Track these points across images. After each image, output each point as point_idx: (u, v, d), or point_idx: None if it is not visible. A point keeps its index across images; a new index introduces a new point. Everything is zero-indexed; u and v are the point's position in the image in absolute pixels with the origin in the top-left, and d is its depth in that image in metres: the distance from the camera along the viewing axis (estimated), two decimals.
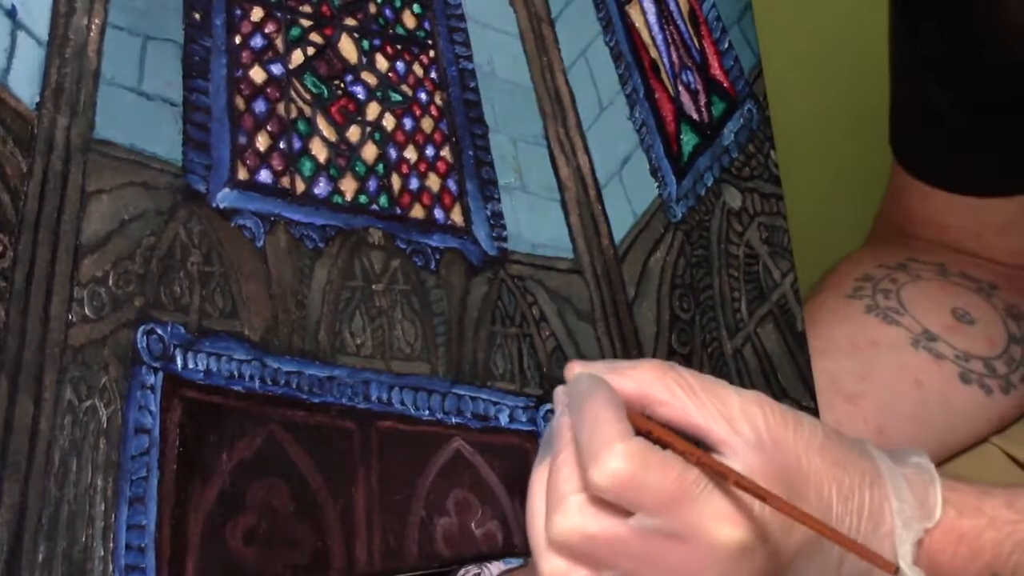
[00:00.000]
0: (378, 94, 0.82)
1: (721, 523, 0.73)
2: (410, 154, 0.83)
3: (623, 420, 0.74)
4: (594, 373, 0.77)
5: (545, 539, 0.74)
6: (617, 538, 0.73)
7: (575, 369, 0.78)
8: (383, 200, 0.82)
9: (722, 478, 0.73)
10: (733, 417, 0.76)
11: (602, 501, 0.73)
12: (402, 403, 0.80)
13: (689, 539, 0.73)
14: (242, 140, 0.78)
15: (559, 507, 0.73)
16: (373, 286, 0.81)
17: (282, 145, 0.79)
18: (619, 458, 0.72)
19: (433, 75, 0.84)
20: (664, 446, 0.74)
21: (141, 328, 0.75)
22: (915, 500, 0.79)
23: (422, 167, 0.83)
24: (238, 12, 0.79)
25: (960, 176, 1.07)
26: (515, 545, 0.81)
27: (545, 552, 0.74)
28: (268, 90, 0.79)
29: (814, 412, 0.95)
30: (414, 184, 0.83)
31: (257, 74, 0.79)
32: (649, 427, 0.75)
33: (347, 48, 0.82)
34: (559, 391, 0.78)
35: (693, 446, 0.74)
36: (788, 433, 0.77)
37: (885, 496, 0.78)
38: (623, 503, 0.73)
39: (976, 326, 1.04)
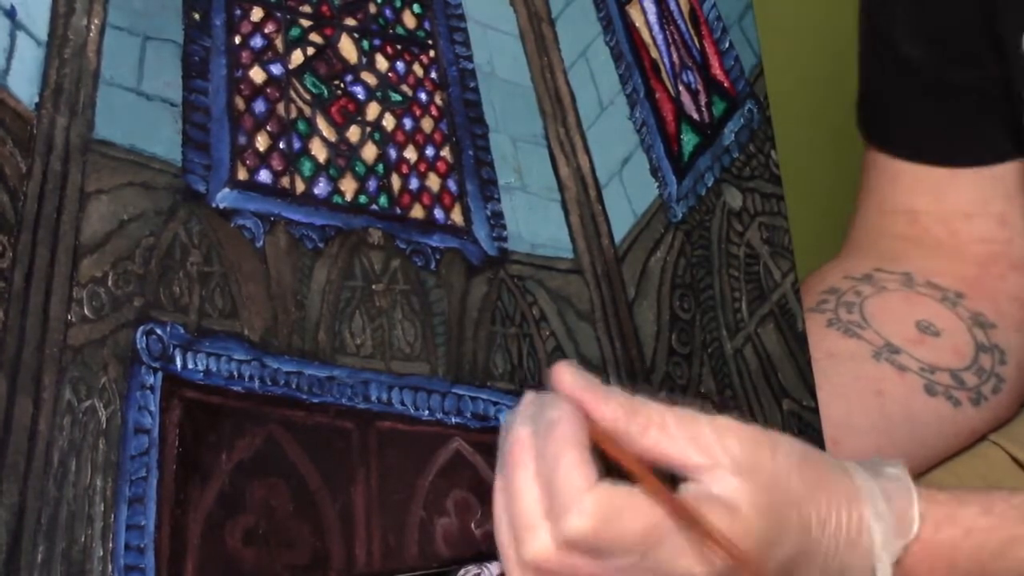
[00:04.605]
0: (378, 94, 0.82)
1: (694, 562, 0.73)
2: (410, 154, 0.83)
3: (586, 463, 0.73)
4: (567, 396, 0.76)
5: (516, 561, 0.74)
6: (591, 568, 0.73)
7: (565, 378, 0.76)
8: (383, 200, 0.82)
9: (694, 521, 0.73)
10: (708, 445, 0.75)
11: None
12: (402, 403, 0.80)
13: (661, 573, 0.73)
14: (242, 140, 0.78)
15: (527, 533, 0.73)
16: (373, 286, 0.81)
17: (282, 145, 0.79)
18: (586, 516, 0.72)
19: (433, 75, 0.84)
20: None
21: (140, 328, 0.75)
22: (893, 516, 0.79)
23: (422, 167, 0.83)
24: (238, 12, 0.79)
25: (930, 140, 1.07)
26: None
27: (518, 572, 0.74)
28: (268, 90, 0.79)
29: (815, 412, 0.95)
30: (414, 184, 0.83)
31: (257, 74, 0.79)
32: (618, 456, 0.74)
33: (347, 48, 0.82)
34: (529, 397, 0.77)
35: (661, 485, 0.74)
36: (765, 455, 0.76)
37: (862, 515, 0.78)
38: (593, 553, 0.73)
39: (941, 337, 1.04)
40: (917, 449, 1.01)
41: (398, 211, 0.82)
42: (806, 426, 0.94)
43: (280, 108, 0.79)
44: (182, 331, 0.75)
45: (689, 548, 0.73)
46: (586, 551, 0.73)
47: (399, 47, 0.84)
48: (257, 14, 0.80)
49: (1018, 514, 0.80)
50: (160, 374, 0.75)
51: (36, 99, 0.74)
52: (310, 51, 0.81)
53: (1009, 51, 0.99)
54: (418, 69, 0.84)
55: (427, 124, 0.84)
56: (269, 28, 0.80)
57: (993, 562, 0.79)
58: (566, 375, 0.77)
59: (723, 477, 0.75)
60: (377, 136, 0.82)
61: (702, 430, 0.76)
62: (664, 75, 0.92)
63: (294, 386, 0.78)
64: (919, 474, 1.02)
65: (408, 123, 0.83)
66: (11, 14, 0.73)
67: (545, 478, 0.74)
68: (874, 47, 1.09)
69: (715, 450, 0.75)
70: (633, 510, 0.73)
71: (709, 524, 0.73)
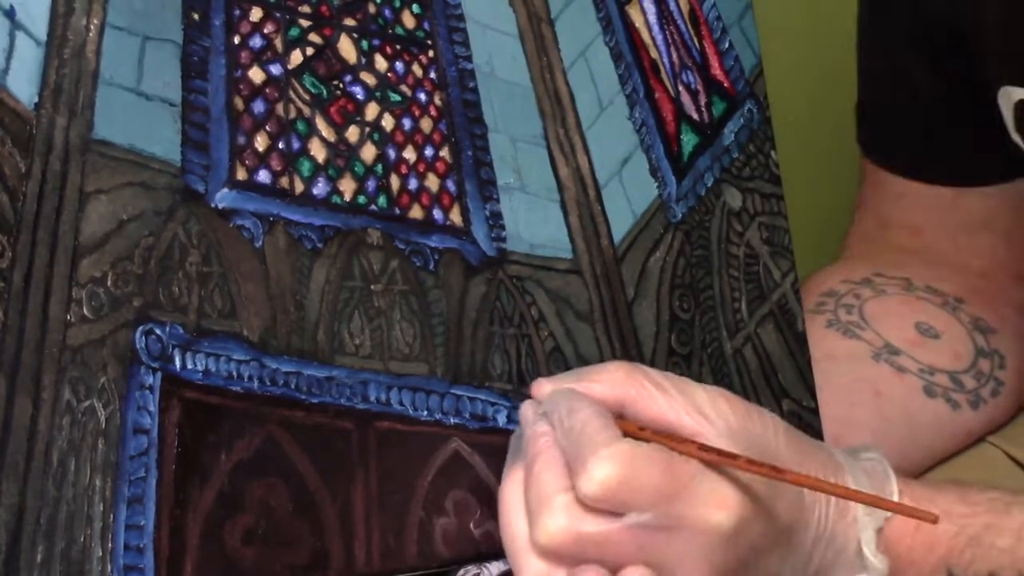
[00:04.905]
0: (377, 94, 0.82)
1: (714, 509, 0.74)
2: (409, 154, 0.83)
3: (611, 427, 0.74)
4: (571, 388, 0.77)
5: (528, 545, 0.74)
6: (609, 535, 0.73)
7: (545, 387, 0.78)
8: (382, 200, 0.82)
9: (729, 459, 0.74)
10: (703, 409, 0.76)
11: None
12: (400, 403, 0.80)
13: (681, 528, 0.74)
14: (241, 140, 0.78)
15: (545, 510, 0.73)
16: (372, 286, 0.81)
17: (281, 145, 0.79)
18: (607, 463, 0.72)
19: (432, 75, 0.84)
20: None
21: (140, 328, 0.75)
22: (873, 490, 0.79)
23: (421, 167, 0.83)
24: (237, 12, 0.79)
25: (935, 162, 1.07)
26: None
27: (528, 558, 0.74)
28: (267, 90, 0.79)
29: (815, 412, 0.95)
30: (413, 184, 0.83)
31: (256, 74, 0.79)
32: (632, 430, 0.75)
33: (346, 48, 0.82)
34: (527, 407, 0.78)
35: (687, 439, 0.75)
36: (755, 424, 0.78)
37: (847, 485, 0.79)
38: (614, 507, 0.73)
39: (941, 340, 1.04)
40: (914, 450, 1.01)
41: (397, 211, 0.82)
42: (806, 426, 0.94)
43: (279, 108, 0.79)
44: (181, 331, 0.75)
45: (709, 496, 0.74)
46: (604, 510, 0.73)
47: (398, 47, 0.84)
48: (256, 14, 0.80)
49: (992, 505, 0.81)
50: (159, 374, 0.75)
51: (35, 99, 0.74)
52: (309, 51, 0.81)
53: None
54: (417, 69, 0.84)
55: (426, 124, 0.84)
56: (268, 28, 0.80)
57: (970, 548, 0.80)
58: (544, 382, 0.78)
59: (717, 439, 0.76)
60: (376, 136, 0.82)
61: (697, 396, 0.77)
62: (664, 75, 0.92)
63: (293, 386, 0.78)
64: (917, 475, 1.02)
65: (407, 123, 0.83)
66: (11, 14, 0.73)
67: (567, 456, 0.74)
68: (876, 71, 1.09)
69: (709, 414, 0.76)
70: (653, 459, 0.73)
71: (744, 456, 0.74)
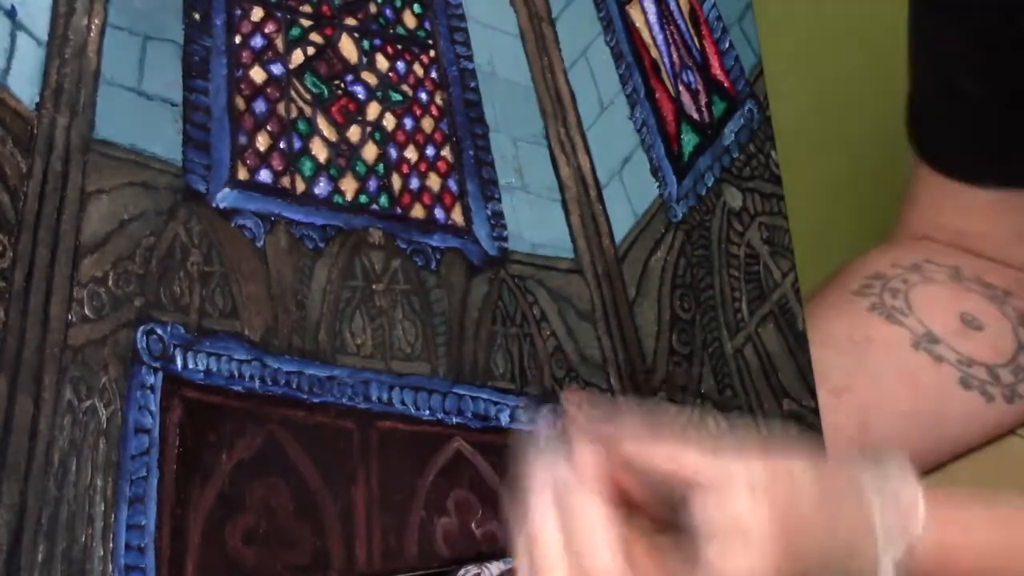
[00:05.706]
0: (378, 94, 0.82)
1: None
2: (410, 154, 0.83)
3: (608, 521, 0.71)
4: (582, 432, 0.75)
5: None
6: None
7: (576, 414, 0.76)
8: (383, 200, 0.82)
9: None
10: (729, 462, 0.72)
11: None
12: (402, 403, 0.80)
13: None
14: (242, 140, 0.78)
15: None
16: (373, 286, 0.81)
17: (282, 145, 0.79)
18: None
19: (433, 75, 0.84)
20: None
21: (141, 328, 0.75)
22: (897, 516, 0.77)
23: (422, 167, 0.83)
24: (238, 12, 0.79)
25: (986, 164, 1.06)
26: None
27: None
28: (268, 90, 0.79)
29: (815, 412, 0.95)
30: (415, 184, 0.83)
31: (257, 74, 0.79)
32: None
33: (347, 48, 0.82)
34: (547, 434, 0.76)
35: None
36: (783, 488, 0.74)
37: (870, 528, 0.77)
38: None
39: (984, 332, 1.04)
40: (943, 440, 1.01)
41: (399, 211, 0.82)
42: (806, 426, 0.94)
43: (280, 108, 0.79)
44: (182, 331, 0.75)
45: None
46: None
47: (399, 47, 0.84)
48: (257, 14, 0.80)
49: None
50: (160, 374, 0.75)
51: (36, 99, 0.74)
52: (310, 51, 0.81)
53: None
54: (418, 69, 0.84)
55: (427, 124, 0.84)
56: (269, 28, 0.80)
57: (999, 563, 0.79)
58: (577, 413, 0.77)
59: (742, 491, 0.72)
60: (378, 136, 0.82)
61: (724, 450, 0.74)
62: (664, 75, 0.92)
63: (294, 386, 0.78)
64: (941, 464, 1.02)
65: (408, 123, 0.83)
66: (11, 14, 0.73)
67: (567, 529, 0.72)
68: (928, 75, 1.08)
69: (737, 467, 0.72)
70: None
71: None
